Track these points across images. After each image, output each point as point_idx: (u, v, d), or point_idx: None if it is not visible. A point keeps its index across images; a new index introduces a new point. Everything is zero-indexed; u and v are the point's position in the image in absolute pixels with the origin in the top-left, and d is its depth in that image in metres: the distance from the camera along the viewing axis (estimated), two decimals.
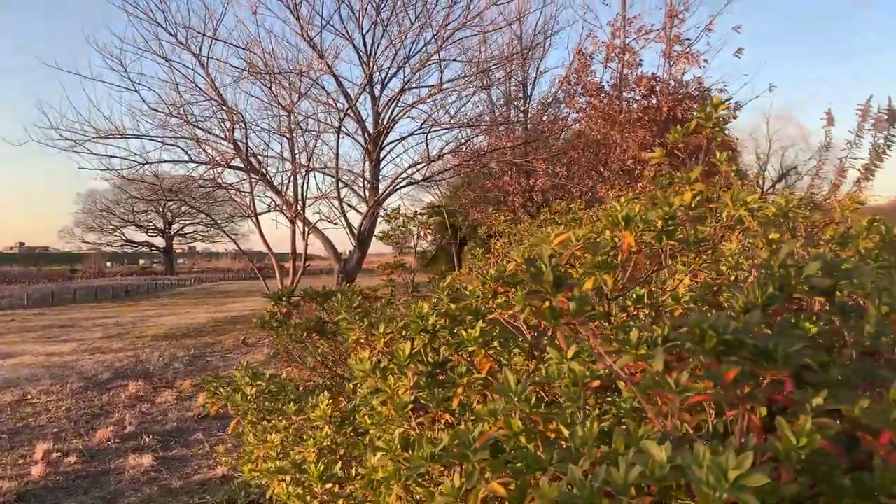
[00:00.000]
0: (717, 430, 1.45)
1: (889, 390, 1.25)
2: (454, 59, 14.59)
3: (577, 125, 16.55)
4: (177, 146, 14.14)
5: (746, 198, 1.74)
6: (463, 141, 15.99)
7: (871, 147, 5.97)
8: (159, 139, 13.95)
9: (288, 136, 13.90)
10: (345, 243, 14.58)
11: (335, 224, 13.99)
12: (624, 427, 1.50)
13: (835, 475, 1.24)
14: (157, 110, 13.73)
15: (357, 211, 14.64)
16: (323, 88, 14.39)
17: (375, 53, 14.37)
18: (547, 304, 1.37)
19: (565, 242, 1.76)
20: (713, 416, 1.46)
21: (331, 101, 14.44)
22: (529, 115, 18.33)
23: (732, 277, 2.08)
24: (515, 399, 1.46)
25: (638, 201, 2.14)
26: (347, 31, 14.27)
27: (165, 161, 14.62)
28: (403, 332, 2.28)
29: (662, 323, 1.74)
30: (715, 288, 2.02)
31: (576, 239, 1.75)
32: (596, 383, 1.43)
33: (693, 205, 1.92)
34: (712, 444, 1.29)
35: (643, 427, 1.32)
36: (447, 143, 15.58)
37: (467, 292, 2.04)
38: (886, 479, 1.18)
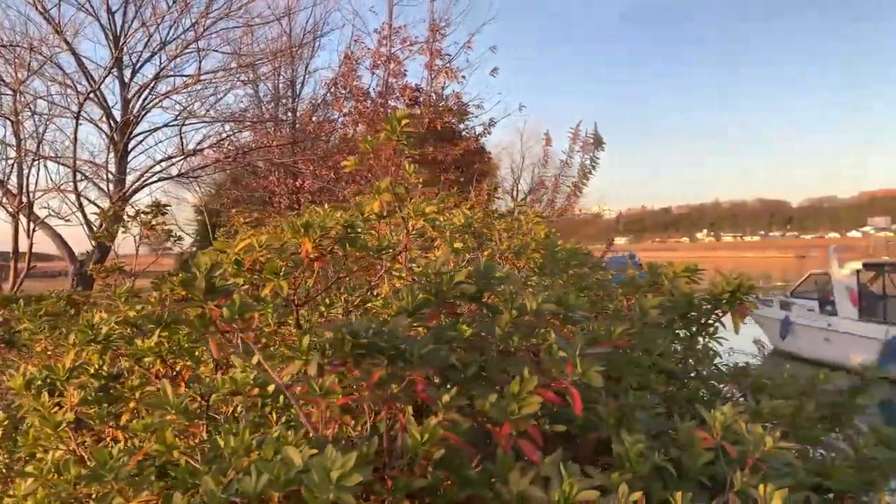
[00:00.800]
0: (378, 430, 1.52)
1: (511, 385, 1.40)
2: (215, 50, 13.80)
3: (344, 129, 16.65)
4: None
5: (426, 209, 1.86)
6: (224, 136, 15.20)
7: (580, 167, 6.89)
8: None
9: (13, 118, 12.06)
10: (84, 242, 13.01)
11: (68, 221, 12.42)
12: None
13: (463, 467, 1.36)
14: None
15: (97, 206, 13.16)
16: (59, 67, 12.71)
17: (126, 35, 13.07)
18: (199, 311, 1.33)
19: (249, 247, 1.73)
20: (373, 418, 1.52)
21: (69, 82, 12.82)
22: (298, 115, 18.02)
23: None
24: (173, 412, 1.39)
25: (340, 209, 2.17)
26: (93, 7, 12.79)
27: None
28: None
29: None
30: None
31: (258, 245, 1.72)
32: (255, 391, 1.41)
33: (384, 213, 2.00)
34: (361, 445, 1.34)
35: (293, 434, 1.34)
36: (207, 137, 14.69)
37: (151, 299, 1.92)
38: (504, 468, 1.32)
